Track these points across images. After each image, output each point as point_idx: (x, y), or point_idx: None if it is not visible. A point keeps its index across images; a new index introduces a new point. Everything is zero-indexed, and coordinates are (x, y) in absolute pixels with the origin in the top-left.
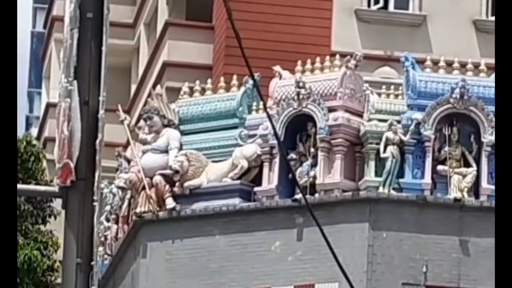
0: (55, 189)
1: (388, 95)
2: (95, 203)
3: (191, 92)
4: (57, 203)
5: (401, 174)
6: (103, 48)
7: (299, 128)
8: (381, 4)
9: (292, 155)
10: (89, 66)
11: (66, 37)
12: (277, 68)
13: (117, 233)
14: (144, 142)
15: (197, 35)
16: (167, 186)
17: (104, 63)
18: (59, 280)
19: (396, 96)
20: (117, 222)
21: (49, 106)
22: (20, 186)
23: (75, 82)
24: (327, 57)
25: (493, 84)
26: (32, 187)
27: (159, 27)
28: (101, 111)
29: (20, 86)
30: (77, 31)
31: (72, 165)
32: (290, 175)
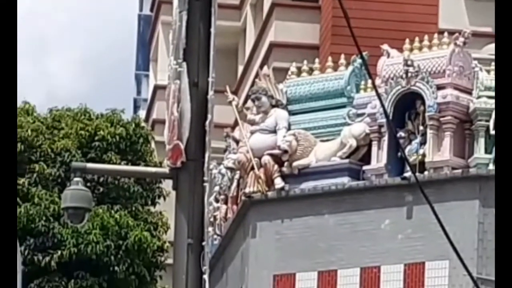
0: (166, 170)
1: None
2: (205, 184)
3: (299, 72)
4: (166, 184)
5: None
6: (212, 30)
7: (407, 106)
8: None
9: (401, 133)
10: (198, 48)
11: (175, 19)
12: (384, 46)
13: (226, 213)
14: (252, 123)
15: (303, 15)
16: (276, 166)
17: (213, 45)
18: (169, 261)
19: None
20: (226, 203)
21: (157, 88)
22: (130, 168)
23: (184, 63)
24: (435, 35)
25: None
26: (142, 168)
27: (266, 7)
28: (211, 92)
29: (128, 69)
30: (185, 13)
31: (182, 146)
32: (399, 153)
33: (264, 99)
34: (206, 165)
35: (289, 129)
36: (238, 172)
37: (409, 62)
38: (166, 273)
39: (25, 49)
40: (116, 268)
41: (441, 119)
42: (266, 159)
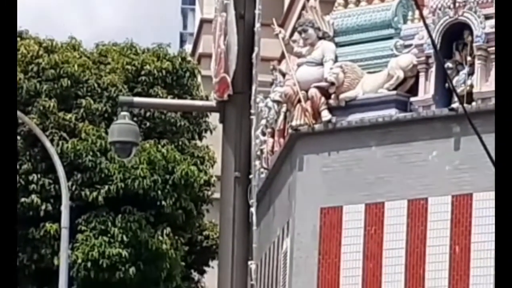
0: (213, 103)
1: None
2: (252, 117)
3: (346, 3)
4: (212, 118)
5: None
6: None
7: (455, 37)
8: None
9: (449, 64)
10: None
11: None
12: None
13: (273, 146)
14: (299, 55)
15: None
16: (323, 99)
17: None
18: (215, 195)
19: None
20: (273, 136)
21: (203, 22)
22: (177, 101)
23: None
24: None
25: None
26: (189, 102)
27: None
28: (257, 25)
29: (174, 3)
30: None
31: (229, 79)
32: (447, 84)
33: (310, 31)
34: (253, 97)
35: (336, 61)
36: (284, 105)
37: None
38: (213, 207)
39: None
40: (163, 202)
41: (489, 49)
42: (313, 91)
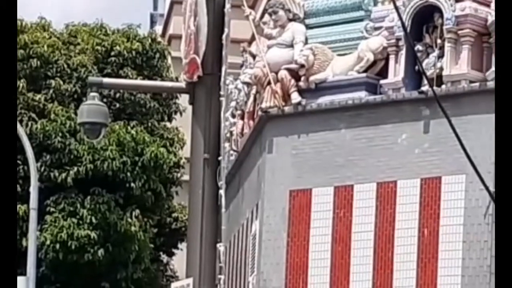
0: (182, 84)
1: None
2: (221, 98)
3: None
4: (182, 100)
5: None
6: None
7: (425, 19)
8: None
9: (419, 47)
10: None
11: None
12: None
13: (242, 129)
14: (269, 37)
15: None
16: (293, 81)
17: None
18: (185, 177)
19: None
20: (242, 118)
21: (174, 3)
22: (147, 82)
23: None
24: None
25: None
26: (159, 83)
27: None
28: (227, 6)
29: None
30: None
31: (199, 60)
32: (417, 67)
33: (281, 13)
34: (222, 79)
35: (306, 43)
36: (254, 87)
37: None
38: (182, 189)
39: None
40: (132, 184)
41: (459, 32)
42: (283, 73)
